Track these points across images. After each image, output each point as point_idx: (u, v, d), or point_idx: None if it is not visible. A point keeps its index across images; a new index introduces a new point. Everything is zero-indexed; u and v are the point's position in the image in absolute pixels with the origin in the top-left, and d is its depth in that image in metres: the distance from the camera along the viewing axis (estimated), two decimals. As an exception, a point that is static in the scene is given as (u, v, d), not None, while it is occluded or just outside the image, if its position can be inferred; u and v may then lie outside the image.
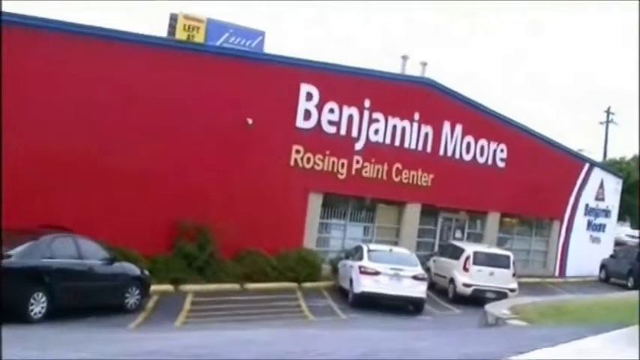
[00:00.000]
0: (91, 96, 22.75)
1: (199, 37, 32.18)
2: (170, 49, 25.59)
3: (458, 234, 35.71)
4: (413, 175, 32.40)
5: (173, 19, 32.43)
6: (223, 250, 25.36)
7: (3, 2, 19.30)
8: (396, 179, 31.75)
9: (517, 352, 9.97)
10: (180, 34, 31.74)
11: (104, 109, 23.12)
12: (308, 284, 26.98)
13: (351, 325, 20.44)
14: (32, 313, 16.78)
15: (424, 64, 34.28)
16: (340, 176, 29.74)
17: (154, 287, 22.33)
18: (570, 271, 40.87)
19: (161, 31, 32.45)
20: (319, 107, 28.77)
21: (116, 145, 23.28)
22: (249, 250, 26.26)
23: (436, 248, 33.81)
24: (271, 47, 31.79)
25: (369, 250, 25.50)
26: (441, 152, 33.67)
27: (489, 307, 17.69)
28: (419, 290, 24.22)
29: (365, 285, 23.96)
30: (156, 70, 24.41)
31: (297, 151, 28.30)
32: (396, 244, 31.23)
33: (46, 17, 21.85)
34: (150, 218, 23.90)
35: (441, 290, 28.72)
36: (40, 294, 16.96)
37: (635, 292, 26.84)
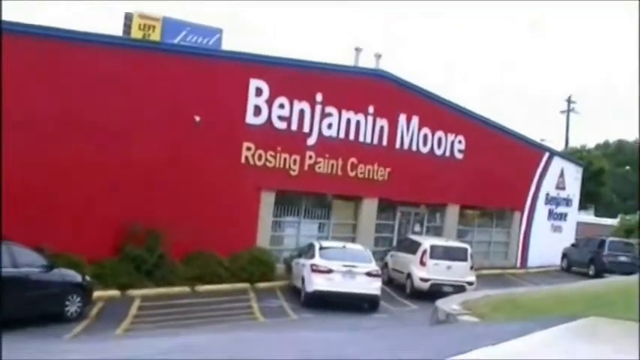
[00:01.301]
0: (36, 94, 22.09)
1: (155, 36, 31.32)
2: (118, 47, 24.72)
3: (417, 228, 35.18)
4: (369, 170, 31.81)
5: (128, 18, 31.65)
6: (173, 252, 24.64)
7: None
8: (352, 174, 31.12)
9: (455, 354, 9.32)
10: (136, 34, 30.88)
11: (49, 108, 22.39)
12: (262, 284, 26.32)
13: (300, 326, 19.73)
14: (-39, 326, 15.92)
15: (378, 56, 33.62)
16: (293, 173, 29.06)
17: (99, 293, 21.62)
18: (532, 261, 40.54)
19: (116, 30, 31.62)
20: (269, 102, 28.07)
21: (60, 145, 22.50)
22: (200, 252, 25.52)
23: (395, 243, 33.20)
24: (229, 45, 30.96)
25: (321, 248, 24.80)
26: (397, 145, 33.08)
27: (440, 303, 17.03)
28: (373, 287, 23.55)
29: (317, 284, 23.28)
30: (104, 68, 23.64)
31: (248, 148, 27.60)
32: (353, 240, 30.65)
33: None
34: (95, 221, 23.17)
35: (399, 286, 28.12)
36: (-31, 305, 16.13)
37: (592, 282, 26.48)
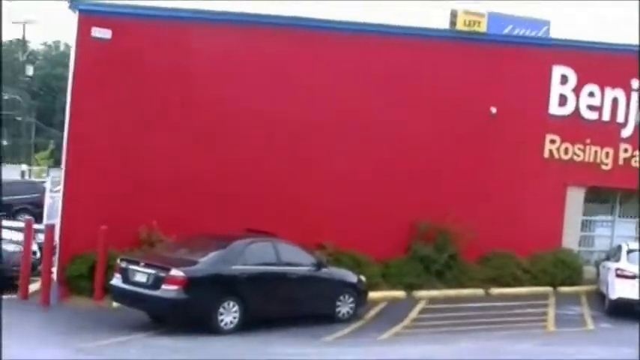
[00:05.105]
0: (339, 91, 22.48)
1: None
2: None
3: None
4: (697, 164, 28.23)
5: (453, 15, 31.51)
6: (467, 251, 23.34)
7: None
8: (677, 168, 27.79)
9: None
10: (461, 29, 30.55)
11: (329, 103, 22.44)
12: (565, 289, 24.20)
13: (587, 339, 17.47)
14: (222, 323, 15.76)
15: None
16: (605, 167, 26.44)
17: (384, 293, 21.24)
18: None
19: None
20: (576, 91, 25.73)
21: (351, 146, 22.59)
22: (496, 252, 23.97)
23: None
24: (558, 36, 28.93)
25: (628, 251, 22.10)
26: None
27: None
28: (688, 298, 20.51)
29: (621, 290, 20.68)
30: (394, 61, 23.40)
31: (552, 141, 25.51)
32: (678, 242, 27.45)
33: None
34: (383, 220, 22.56)
35: None
36: (231, 303, 15.89)
37: None
